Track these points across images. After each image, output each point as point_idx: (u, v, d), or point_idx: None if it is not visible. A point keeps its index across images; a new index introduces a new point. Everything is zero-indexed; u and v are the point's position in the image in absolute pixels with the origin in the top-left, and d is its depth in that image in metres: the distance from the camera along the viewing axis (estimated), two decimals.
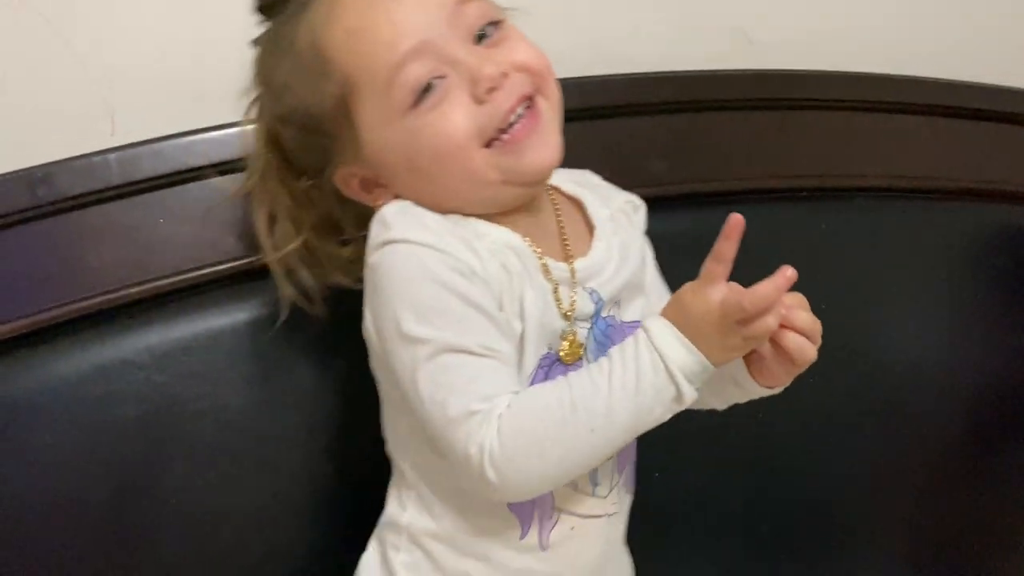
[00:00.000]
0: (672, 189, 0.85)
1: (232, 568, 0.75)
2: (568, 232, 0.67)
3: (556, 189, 0.70)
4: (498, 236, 0.63)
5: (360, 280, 0.65)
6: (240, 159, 0.77)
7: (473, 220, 0.63)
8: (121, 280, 0.74)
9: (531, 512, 0.64)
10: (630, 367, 0.57)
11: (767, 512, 0.93)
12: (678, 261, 0.85)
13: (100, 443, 0.72)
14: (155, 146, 0.75)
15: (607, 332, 0.65)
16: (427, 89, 0.59)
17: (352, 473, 0.78)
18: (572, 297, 0.64)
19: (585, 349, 0.64)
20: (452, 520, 0.64)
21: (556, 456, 0.57)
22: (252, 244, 0.76)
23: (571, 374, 0.60)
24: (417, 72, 0.58)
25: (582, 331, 0.64)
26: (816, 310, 0.93)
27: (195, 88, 0.81)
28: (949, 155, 0.97)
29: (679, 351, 0.57)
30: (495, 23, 0.61)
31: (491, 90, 0.59)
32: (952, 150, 0.97)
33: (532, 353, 0.62)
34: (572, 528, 0.64)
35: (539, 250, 0.63)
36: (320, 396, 0.77)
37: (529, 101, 0.60)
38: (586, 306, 0.64)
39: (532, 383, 0.61)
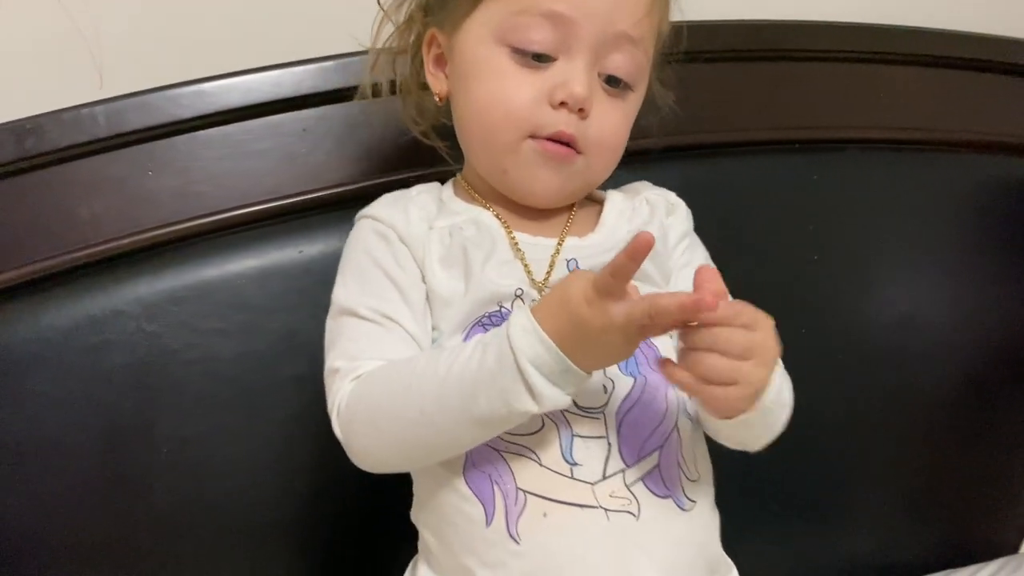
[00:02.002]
0: (663, 141, 0.85)
1: (223, 515, 0.76)
2: (574, 221, 0.67)
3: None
4: (469, 213, 0.65)
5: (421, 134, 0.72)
6: (229, 110, 0.78)
7: (458, 201, 0.67)
8: (110, 232, 0.75)
9: (490, 491, 0.57)
10: (475, 355, 0.54)
11: (763, 467, 0.92)
12: None
13: (93, 391, 0.73)
14: (142, 98, 0.75)
15: None
16: (536, 56, 0.60)
17: None
18: (547, 270, 0.63)
19: None
20: (432, 510, 0.61)
21: (389, 433, 0.57)
22: (237, 197, 0.78)
23: (426, 352, 0.60)
24: (543, 35, 0.59)
25: None
26: (808, 262, 0.94)
27: (182, 41, 0.81)
28: (943, 106, 0.96)
29: (535, 347, 0.52)
30: (626, 86, 0.62)
31: (563, 104, 0.60)
32: (946, 101, 0.96)
33: (471, 309, 0.61)
34: (545, 515, 0.55)
35: (509, 226, 0.64)
36: (309, 347, 0.77)
37: (572, 147, 0.61)
38: (561, 274, 0.62)
39: (467, 336, 0.61)
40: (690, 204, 0.86)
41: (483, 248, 0.63)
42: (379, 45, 0.71)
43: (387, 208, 0.66)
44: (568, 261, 0.63)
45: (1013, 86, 0.98)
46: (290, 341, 0.77)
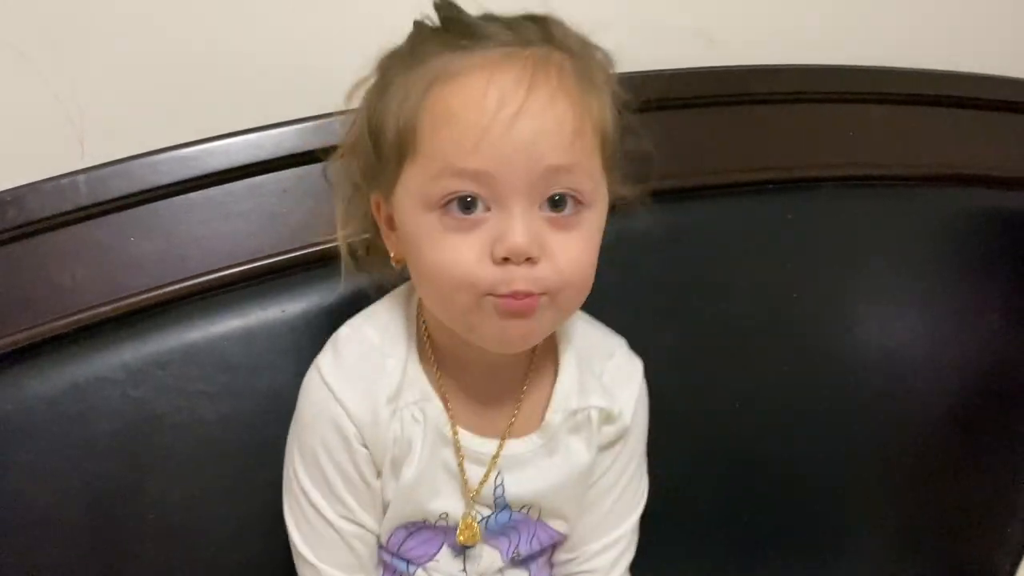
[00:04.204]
0: (638, 188, 0.86)
1: None
2: (526, 401, 0.66)
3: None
4: (421, 395, 0.64)
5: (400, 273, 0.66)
6: (210, 174, 0.79)
7: (418, 368, 0.64)
8: (94, 299, 0.75)
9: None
10: None
11: (749, 505, 0.93)
12: (645, 259, 0.87)
13: (78, 460, 0.73)
14: (122, 166, 0.76)
15: (512, 523, 0.67)
16: (465, 206, 0.55)
17: None
18: (481, 481, 0.64)
19: (480, 534, 0.66)
20: None
21: None
22: (220, 259, 0.78)
23: None
24: (466, 189, 0.55)
25: (480, 514, 0.65)
26: (788, 300, 0.95)
27: (162, 107, 0.82)
28: (913, 142, 0.98)
29: None
30: (578, 203, 0.56)
31: (506, 260, 0.55)
32: (916, 137, 0.98)
33: (400, 511, 0.66)
34: None
35: (453, 420, 0.63)
36: (294, 406, 0.78)
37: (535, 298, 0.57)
38: (488, 496, 0.65)
39: (390, 540, 0.67)
40: (668, 248, 0.88)
41: (430, 446, 0.64)
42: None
43: (353, 392, 0.62)
44: (496, 479, 0.65)
45: (980, 120, 1.00)
46: (276, 400, 0.77)
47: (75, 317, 0.75)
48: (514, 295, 0.55)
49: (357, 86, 0.64)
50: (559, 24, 0.60)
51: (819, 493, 0.95)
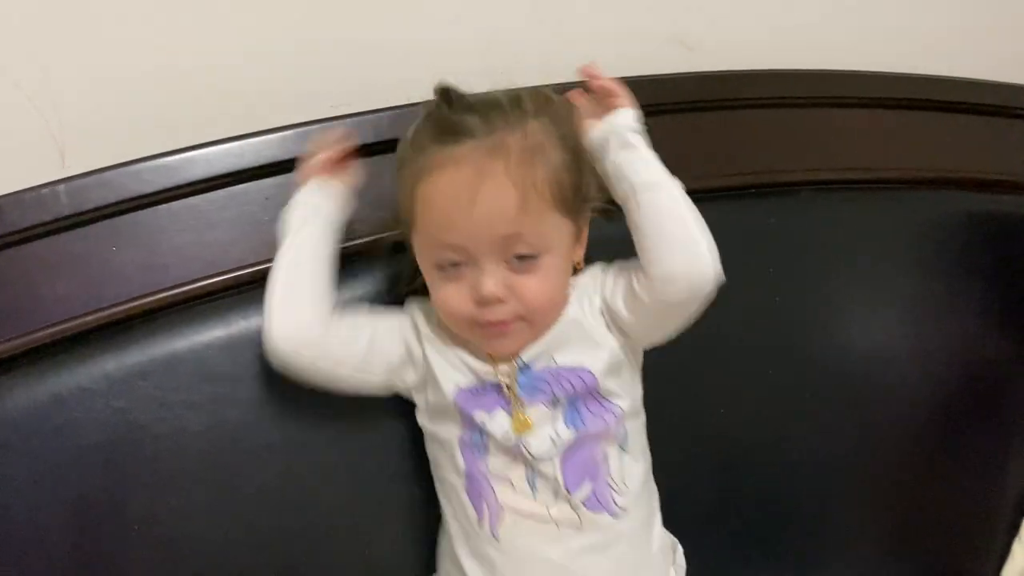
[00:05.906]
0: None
1: None
2: None
3: None
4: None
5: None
6: (192, 183, 0.79)
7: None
8: (75, 309, 0.75)
9: (480, 501, 0.77)
10: None
11: (738, 508, 0.94)
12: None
13: (61, 472, 0.73)
14: (103, 175, 0.76)
15: (543, 376, 0.76)
16: (454, 264, 0.73)
17: (313, 494, 0.79)
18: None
19: (518, 396, 0.76)
20: (446, 507, 0.79)
21: None
22: (202, 268, 0.78)
23: None
24: (450, 256, 0.73)
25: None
26: (771, 304, 0.96)
27: (143, 117, 0.82)
28: (891, 146, 0.99)
29: None
30: (532, 257, 0.73)
31: (482, 302, 0.72)
32: (894, 140, 0.99)
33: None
34: (514, 523, 0.75)
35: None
36: (278, 417, 0.78)
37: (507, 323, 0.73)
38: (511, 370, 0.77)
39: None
40: None
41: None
42: None
43: None
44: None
45: (960, 123, 1.01)
46: (259, 411, 0.77)
47: (56, 328, 0.75)
48: (490, 323, 0.73)
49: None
50: (526, 98, 0.74)
51: (805, 497, 0.95)
